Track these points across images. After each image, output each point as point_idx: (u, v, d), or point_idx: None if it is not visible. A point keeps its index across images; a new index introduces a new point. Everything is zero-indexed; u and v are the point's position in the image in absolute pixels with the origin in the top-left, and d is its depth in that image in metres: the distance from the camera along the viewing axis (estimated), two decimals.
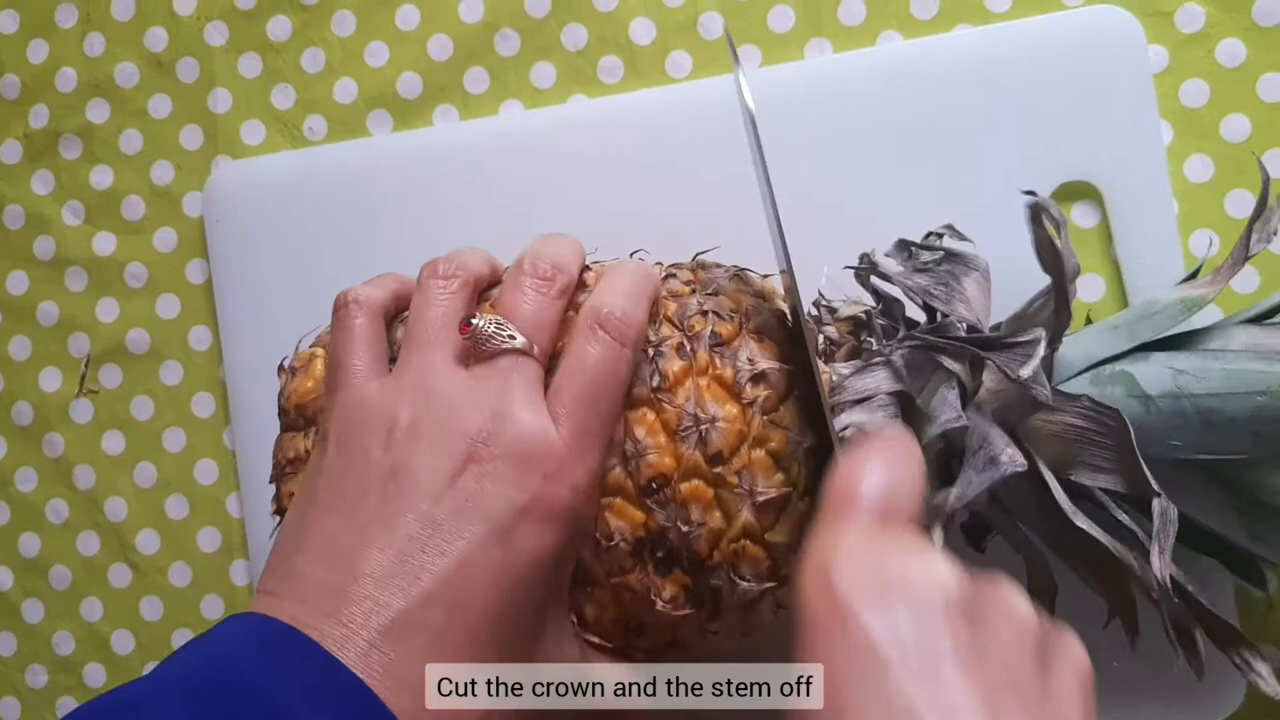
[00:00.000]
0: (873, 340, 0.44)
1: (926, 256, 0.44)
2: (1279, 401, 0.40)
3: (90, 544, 0.62)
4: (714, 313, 0.43)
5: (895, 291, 0.46)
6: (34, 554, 0.63)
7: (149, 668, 0.60)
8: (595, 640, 0.42)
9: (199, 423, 0.61)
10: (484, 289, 0.45)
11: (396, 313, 0.45)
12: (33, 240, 0.63)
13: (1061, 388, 0.44)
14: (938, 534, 0.41)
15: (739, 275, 0.47)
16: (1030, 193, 0.42)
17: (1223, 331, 0.43)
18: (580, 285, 0.44)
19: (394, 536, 0.38)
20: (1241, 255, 0.44)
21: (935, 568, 0.33)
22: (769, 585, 0.41)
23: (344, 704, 0.35)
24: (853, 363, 0.44)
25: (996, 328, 0.45)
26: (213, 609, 0.60)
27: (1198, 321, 0.44)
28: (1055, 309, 0.43)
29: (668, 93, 0.57)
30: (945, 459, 0.43)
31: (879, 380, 0.42)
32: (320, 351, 0.46)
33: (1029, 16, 0.55)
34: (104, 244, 0.62)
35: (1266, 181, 0.44)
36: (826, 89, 0.55)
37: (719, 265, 0.48)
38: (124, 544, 0.62)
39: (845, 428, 0.41)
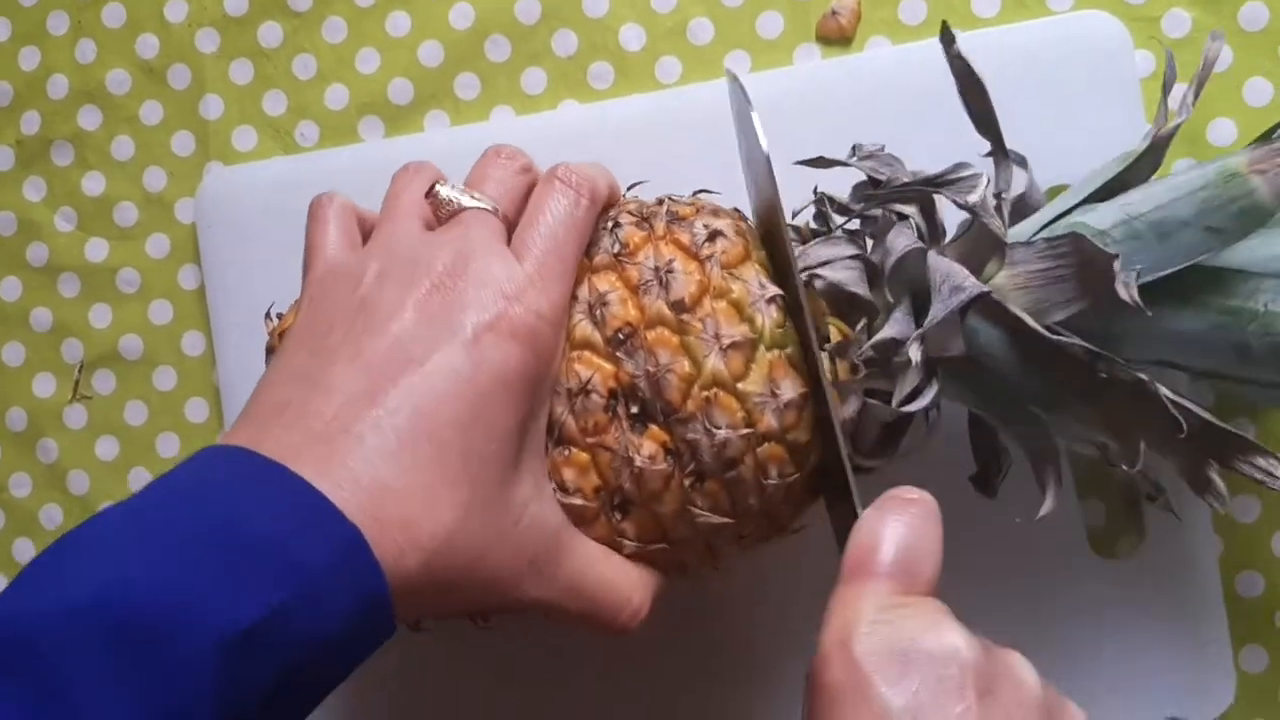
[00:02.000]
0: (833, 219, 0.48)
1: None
2: (1221, 189, 0.42)
3: None
4: (670, 198, 0.47)
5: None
6: (28, 560, 0.63)
7: None
8: (578, 503, 0.43)
9: (193, 428, 0.62)
10: None
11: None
12: (25, 247, 0.63)
13: None
14: (913, 375, 0.42)
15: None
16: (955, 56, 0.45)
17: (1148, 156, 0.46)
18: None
19: (359, 353, 0.39)
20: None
21: (951, 639, 0.35)
22: (746, 432, 0.42)
23: (291, 507, 0.35)
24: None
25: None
26: None
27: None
28: (994, 154, 0.46)
29: (658, 98, 0.57)
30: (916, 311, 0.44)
31: (839, 248, 0.45)
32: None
33: (1016, 22, 0.55)
34: (96, 250, 0.62)
35: None
36: (815, 94, 0.55)
37: None
38: None
39: (813, 278, 0.44)
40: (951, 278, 0.42)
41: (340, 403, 0.38)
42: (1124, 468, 0.46)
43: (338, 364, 0.39)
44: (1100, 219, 0.44)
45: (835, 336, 0.45)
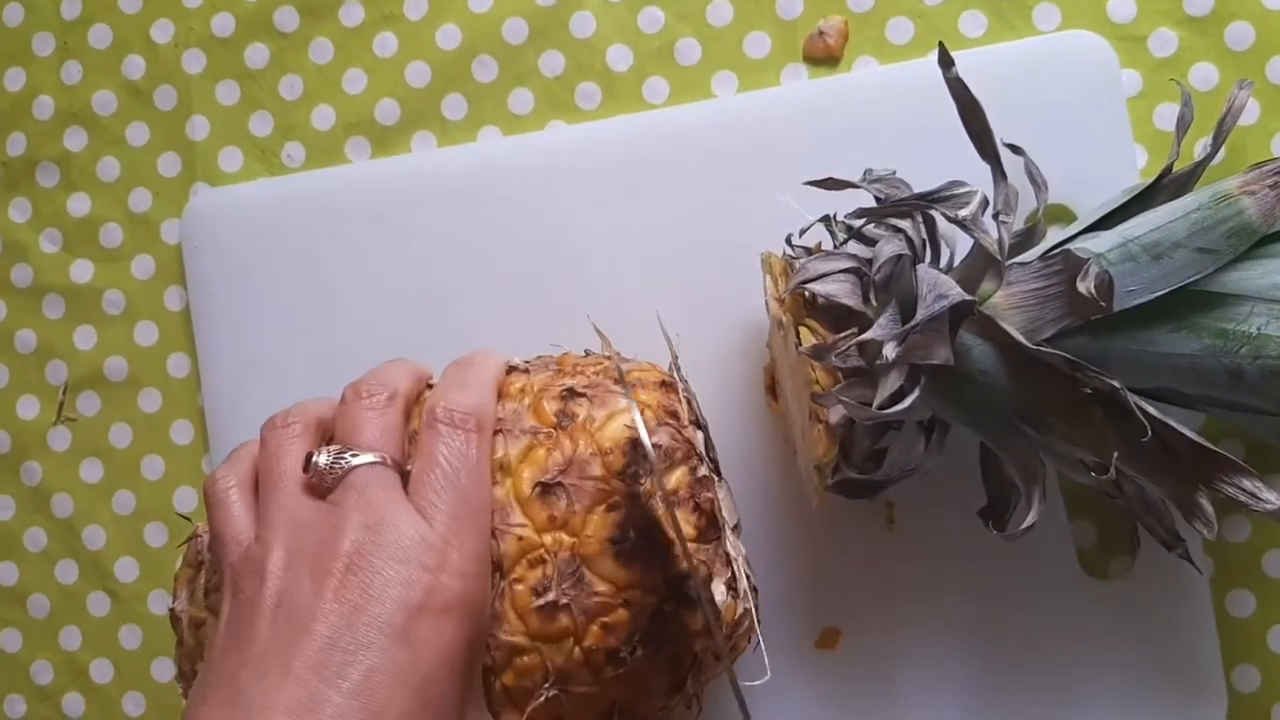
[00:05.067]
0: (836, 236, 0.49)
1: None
2: (1213, 211, 0.42)
3: (69, 572, 0.62)
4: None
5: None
6: (12, 583, 0.62)
7: (128, 696, 0.61)
8: None
9: (177, 450, 0.61)
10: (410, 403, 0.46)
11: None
12: (10, 268, 0.63)
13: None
14: (894, 378, 0.42)
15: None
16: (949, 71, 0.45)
17: (1156, 193, 0.47)
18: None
19: (291, 664, 0.37)
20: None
21: None
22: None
23: None
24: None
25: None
26: None
27: None
28: (993, 174, 0.46)
29: (645, 119, 0.57)
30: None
31: (833, 262, 0.45)
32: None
33: (1003, 42, 0.55)
34: (81, 272, 0.62)
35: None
36: (802, 114, 0.55)
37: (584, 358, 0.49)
38: (103, 572, 0.61)
39: (814, 295, 0.45)
40: (938, 286, 0.42)
41: None
42: (1114, 496, 0.46)
43: (269, 679, 0.37)
44: (1099, 244, 0.44)
45: (808, 339, 0.44)
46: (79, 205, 0.62)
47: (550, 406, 0.44)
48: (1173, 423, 0.42)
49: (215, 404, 0.60)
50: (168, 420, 0.61)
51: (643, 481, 0.42)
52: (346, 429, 0.44)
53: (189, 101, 0.62)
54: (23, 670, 0.62)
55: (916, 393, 0.43)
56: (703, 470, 0.43)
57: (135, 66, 0.62)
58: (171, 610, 0.46)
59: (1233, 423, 0.51)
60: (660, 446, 0.43)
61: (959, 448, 0.49)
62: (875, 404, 0.42)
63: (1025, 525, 0.44)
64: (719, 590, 0.42)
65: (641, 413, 0.43)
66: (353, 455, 0.42)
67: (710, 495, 0.43)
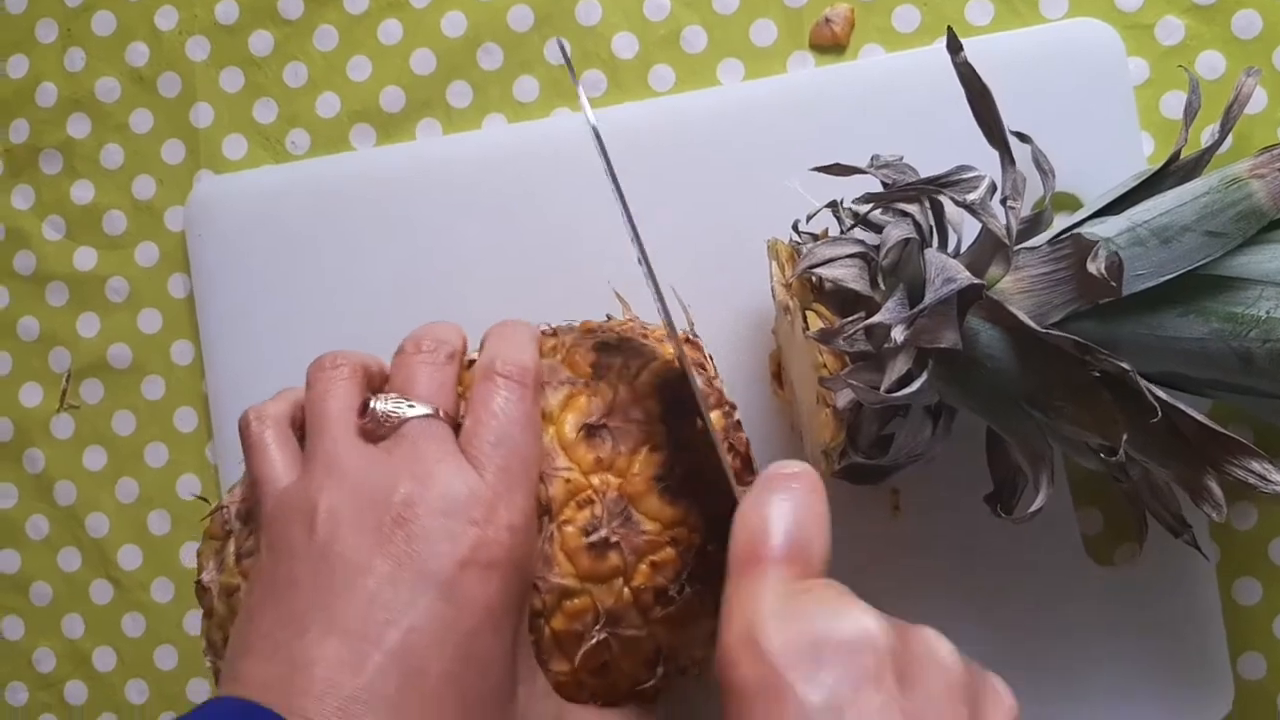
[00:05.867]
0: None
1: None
2: (1222, 194, 0.42)
3: (71, 560, 0.62)
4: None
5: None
6: (14, 570, 0.62)
7: (130, 684, 0.60)
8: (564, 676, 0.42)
9: (181, 437, 0.61)
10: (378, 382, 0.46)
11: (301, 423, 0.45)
12: (13, 255, 0.62)
13: None
14: (901, 361, 0.42)
15: (602, 342, 0.47)
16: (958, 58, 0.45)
17: (1164, 178, 0.47)
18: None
19: (333, 618, 0.37)
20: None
21: (862, 623, 0.34)
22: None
23: None
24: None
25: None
26: (195, 624, 0.60)
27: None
28: (1001, 160, 0.45)
29: (651, 106, 0.57)
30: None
31: (841, 247, 0.45)
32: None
33: (1010, 29, 0.55)
34: (85, 259, 0.62)
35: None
36: (808, 102, 0.55)
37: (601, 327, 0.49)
38: (105, 560, 0.61)
39: (821, 280, 0.45)
40: (946, 270, 0.42)
41: (324, 679, 0.35)
42: (1122, 481, 0.46)
43: (311, 632, 0.37)
44: (1107, 229, 0.44)
45: (815, 324, 0.45)
46: (82, 192, 0.62)
47: (585, 359, 0.45)
48: (1182, 405, 0.42)
49: (219, 391, 0.60)
50: (171, 408, 0.61)
51: (683, 423, 0.43)
52: (403, 380, 0.43)
53: (193, 89, 0.61)
54: (25, 658, 0.62)
55: (924, 377, 0.43)
56: (736, 415, 0.44)
57: (139, 53, 0.62)
58: (198, 583, 0.46)
59: (1239, 408, 0.51)
60: (698, 389, 0.43)
61: (965, 436, 0.49)
62: (883, 387, 0.42)
63: (1034, 509, 0.44)
64: None
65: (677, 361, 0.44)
66: (410, 406, 0.41)
67: (744, 437, 0.44)
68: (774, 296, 0.51)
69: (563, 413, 0.43)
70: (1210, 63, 0.54)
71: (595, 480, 0.42)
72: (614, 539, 0.41)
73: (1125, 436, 0.41)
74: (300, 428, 0.44)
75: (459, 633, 0.37)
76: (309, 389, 0.43)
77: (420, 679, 0.36)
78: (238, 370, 0.59)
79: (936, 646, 0.35)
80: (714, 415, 0.44)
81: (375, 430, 0.41)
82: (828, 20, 0.57)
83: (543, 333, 0.48)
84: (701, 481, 0.42)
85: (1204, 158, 0.47)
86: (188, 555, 0.60)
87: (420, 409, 0.42)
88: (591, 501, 0.41)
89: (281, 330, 0.59)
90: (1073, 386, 0.42)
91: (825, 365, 0.44)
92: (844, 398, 0.44)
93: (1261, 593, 0.54)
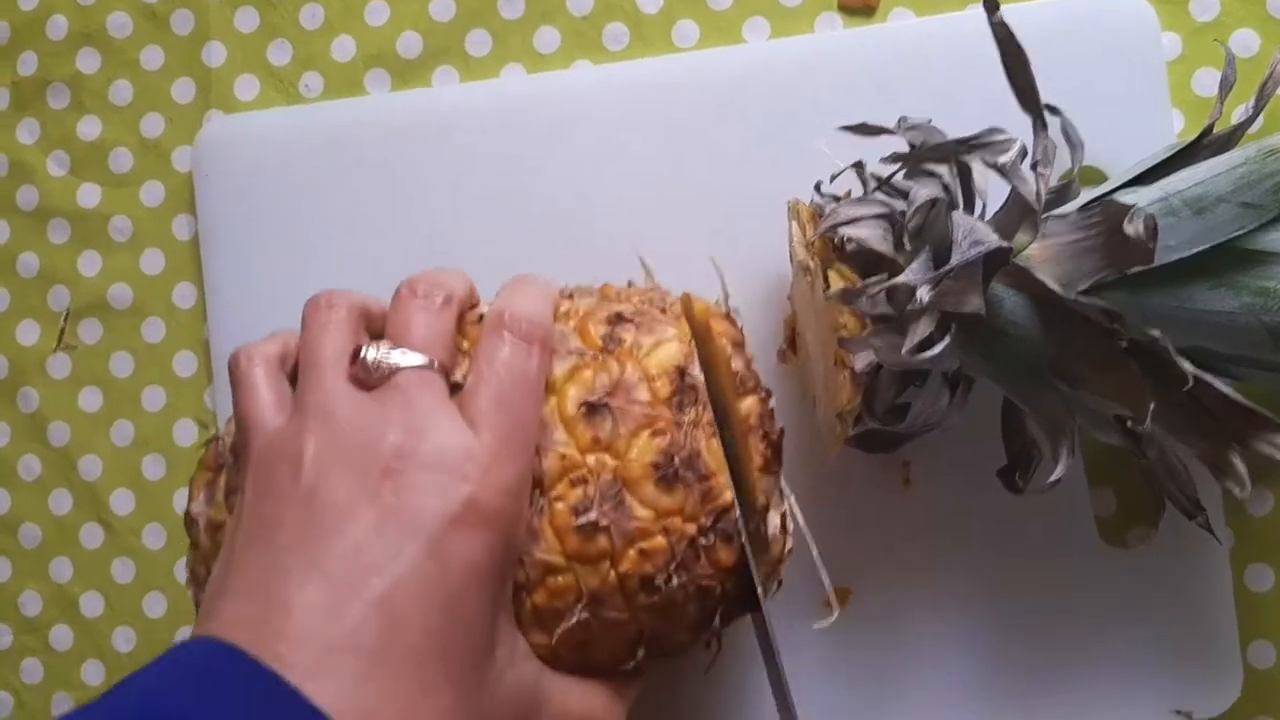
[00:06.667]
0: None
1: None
2: (1259, 165, 0.41)
3: (62, 503, 0.60)
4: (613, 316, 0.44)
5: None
6: (3, 511, 0.61)
7: (118, 631, 0.59)
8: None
9: (179, 382, 0.60)
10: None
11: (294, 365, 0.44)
12: (15, 190, 0.61)
13: None
14: (924, 324, 0.41)
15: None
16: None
17: (1197, 151, 0.46)
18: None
19: (316, 563, 0.36)
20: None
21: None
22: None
23: None
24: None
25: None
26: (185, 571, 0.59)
27: None
28: (1033, 125, 0.45)
29: (673, 62, 0.56)
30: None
31: (866, 208, 0.44)
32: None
33: (1043, 0, 0.54)
34: (89, 196, 0.61)
35: None
36: (835, 64, 0.54)
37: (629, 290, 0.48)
38: (97, 504, 0.60)
39: (844, 240, 0.44)
40: (974, 233, 0.41)
41: (302, 623, 0.35)
42: (1140, 458, 0.45)
43: (293, 575, 0.36)
44: (1139, 199, 0.43)
45: (836, 283, 0.44)
46: (89, 128, 0.61)
47: (597, 330, 0.43)
48: (1209, 378, 0.41)
49: (220, 336, 0.58)
50: (170, 351, 0.60)
51: (687, 411, 0.41)
52: (398, 326, 0.42)
53: (206, 27, 0.60)
54: (10, 600, 0.61)
55: (946, 340, 0.42)
56: (772, 402, 0.43)
57: None
58: (187, 513, 0.45)
59: (1265, 391, 0.50)
60: (737, 373, 0.42)
61: (979, 412, 0.48)
62: (905, 349, 0.41)
63: (1053, 478, 0.43)
64: (774, 522, 0.42)
65: (716, 340, 0.42)
66: (401, 354, 0.40)
67: (779, 427, 0.43)
68: (792, 259, 0.50)
69: (566, 384, 0.42)
70: (1244, 41, 0.53)
71: (591, 460, 0.40)
72: (604, 522, 0.40)
73: (1152, 407, 0.40)
74: (293, 370, 0.43)
75: (443, 590, 0.36)
76: (304, 328, 0.42)
77: (402, 632, 0.35)
78: (240, 315, 0.58)
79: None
80: (750, 401, 0.42)
81: (366, 379, 0.40)
82: None
83: (560, 292, 0.46)
84: (702, 472, 0.41)
85: (1236, 134, 0.46)
86: (181, 502, 0.59)
87: (413, 359, 0.40)
88: (585, 481, 0.40)
89: (286, 276, 0.58)
90: (1099, 356, 0.41)
91: (845, 326, 0.43)
92: (862, 360, 0.43)
93: (1274, 579, 0.53)
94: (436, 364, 0.41)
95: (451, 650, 0.36)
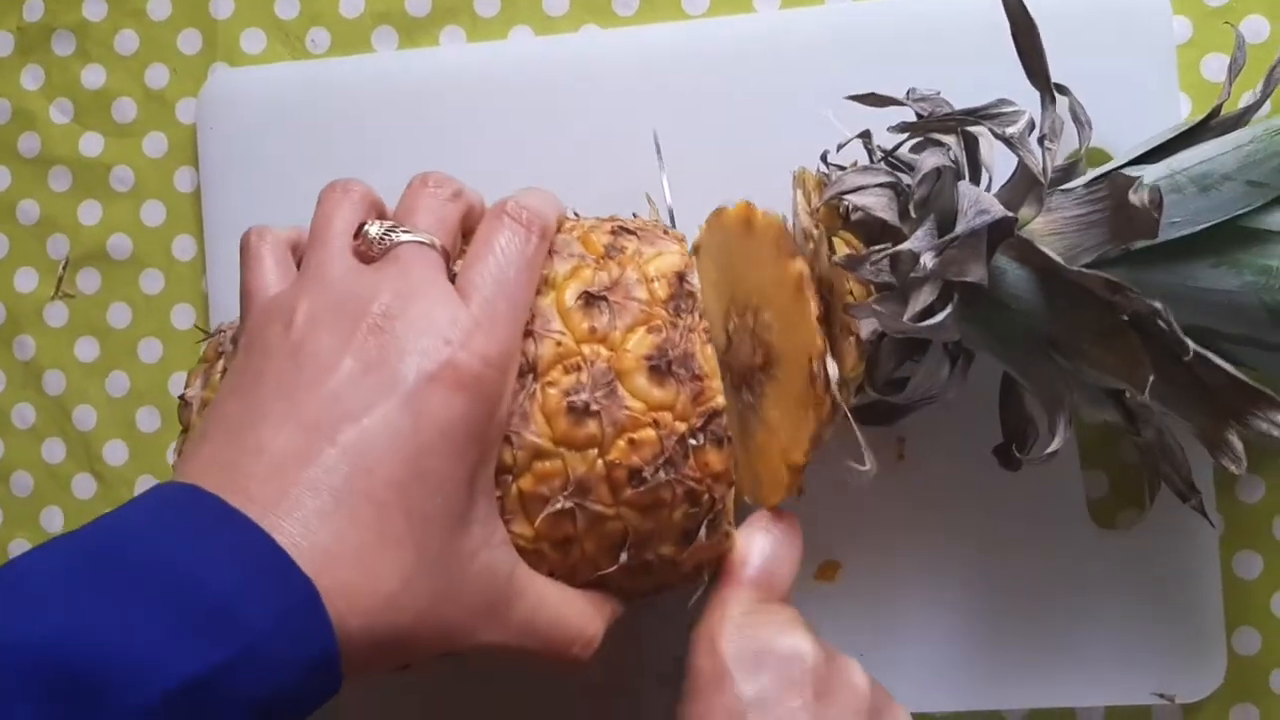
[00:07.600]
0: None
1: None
2: (1266, 144, 0.41)
3: (55, 451, 0.60)
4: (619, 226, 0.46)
5: None
6: None
7: None
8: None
9: (177, 334, 0.60)
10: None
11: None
12: (17, 136, 0.61)
13: None
14: (927, 291, 0.42)
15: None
16: None
17: (1203, 132, 0.45)
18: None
19: (291, 410, 0.37)
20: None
21: (799, 643, 0.41)
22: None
23: (246, 561, 0.34)
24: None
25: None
26: None
27: None
28: (1041, 98, 0.45)
29: (682, 28, 0.56)
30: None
31: (871, 176, 0.44)
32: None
33: None
34: (91, 145, 0.60)
35: None
36: (843, 36, 0.54)
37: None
38: (90, 454, 0.60)
39: (849, 209, 0.45)
40: (980, 203, 0.41)
41: (271, 464, 0.36)
42: (1136, 436, 0.45)
43: (269, 420, 0.37)
44: (1145, 174, 0.43)
45: (842, 250, 0.44)
46: (94, 77, 0.61)
47: (600, 239, 0.44)
48: (1209, 353, 0.41)
49: (219, 289, 0.58)
50: (169, 303, 0.60)
51: (684, 317, 0.42)
52: (405, 209, 0.43)
53: None
54: (0, 548, 0.61)
55: (948, 309, 0.42)
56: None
57: None
58: (182, 397, 0.45)
59: (1264, 375, 0.50)
60: (792, 234, 0.44)
61: (975, 390, 0.48)
62: (907, 316, 0.41)
63: (1050, 449, 0.43)
64: (832, 371, 0.43)
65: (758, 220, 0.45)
66: (404, 232, 0.42)
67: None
68: (795, 229, 0.50)
69: (566, 280, 0.43)
70: (1255, 26, 0.53)
71: (586, 349, 0.42)
72: (595, 407, 0.41)
73: (1151, 379, 0.40)
74: (301, 258, 0.44)
75: (413, 445, 0.37)
76: (317, 207, 0.44)
77: (367, 478, 0.36)
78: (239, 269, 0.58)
79: (854, 674, 0.42)
80: (799, 262, 0.43)
81: (367, 252, 0.42)
82: None
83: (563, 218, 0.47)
84: (695, 374, 0.42)
85: (1243, 117, 0.46)
86: (175, 455, 0.59)
87: (416, 236, 0.42)
88: (579, 368, 0.41)
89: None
90: (1100, 328, 0.42)
91: (851, 293, 0.43)
92: (868, 327, 0.43)
93: (1262, 567, 0.53)
94: (439, 245, 0.42)
95: (415, 508, 0.37)
